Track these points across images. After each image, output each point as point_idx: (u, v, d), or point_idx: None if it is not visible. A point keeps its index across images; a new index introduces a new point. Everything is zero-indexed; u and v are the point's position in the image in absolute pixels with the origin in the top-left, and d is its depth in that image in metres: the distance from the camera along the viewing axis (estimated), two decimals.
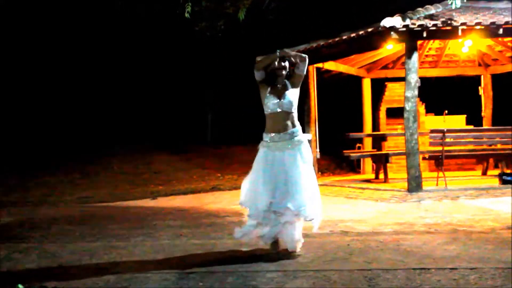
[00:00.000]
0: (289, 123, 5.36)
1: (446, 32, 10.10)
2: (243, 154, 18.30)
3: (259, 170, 5.33)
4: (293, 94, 5.40)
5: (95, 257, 5.53)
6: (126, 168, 16.97)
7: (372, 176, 12.94)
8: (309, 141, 5.65)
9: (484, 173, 12.36)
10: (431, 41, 13.45)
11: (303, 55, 5.50)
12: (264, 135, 5.43)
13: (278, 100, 5.34)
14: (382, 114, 14.84)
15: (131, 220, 8.35)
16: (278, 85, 5.43)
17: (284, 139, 5.33)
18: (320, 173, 14.24)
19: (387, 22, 9.64)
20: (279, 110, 5.34)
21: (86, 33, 20.81)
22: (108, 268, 5.02)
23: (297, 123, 5.44)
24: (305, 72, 5.51)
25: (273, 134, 5.36)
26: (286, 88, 5.42)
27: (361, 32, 10.37)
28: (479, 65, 15.14)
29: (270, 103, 5.36)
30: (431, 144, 10.45)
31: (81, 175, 16.03)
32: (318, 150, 12.30)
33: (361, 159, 14.55)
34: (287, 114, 5.36)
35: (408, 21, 9.77)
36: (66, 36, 20.75)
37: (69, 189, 13.91)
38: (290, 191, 5.19)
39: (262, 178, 5.28)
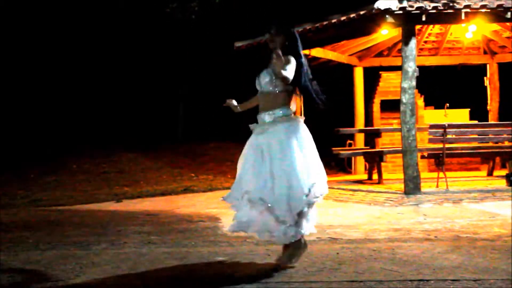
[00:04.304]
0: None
1: (447, 15, 10.14)
2: (219, 151, 18.29)
3: None
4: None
5: (51, 268, 5.46)
6: (86, 167, 16.81)
7: (365, 176, 12.99)
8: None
9: (490, 173, 12.45)
10: (431, 25, 13.52)
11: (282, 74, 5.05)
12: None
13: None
14: (376, 107, 14.88)
15: (92, 226, 8.28)
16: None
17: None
18: None
19: (381, 4, 9.65)
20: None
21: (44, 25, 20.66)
22: (65, 280, 4.97)
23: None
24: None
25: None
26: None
27: (352, 15, 10.37)
28: (485, 52, 15.23)
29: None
30: (430, 141, 10.51)
31: (35, 174, 15.87)
32: None
33: (352, 158, 14.59)
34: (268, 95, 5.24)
35: (405, 3, 9.78)
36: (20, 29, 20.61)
37: (22, 190, 13.76)
38: None
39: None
